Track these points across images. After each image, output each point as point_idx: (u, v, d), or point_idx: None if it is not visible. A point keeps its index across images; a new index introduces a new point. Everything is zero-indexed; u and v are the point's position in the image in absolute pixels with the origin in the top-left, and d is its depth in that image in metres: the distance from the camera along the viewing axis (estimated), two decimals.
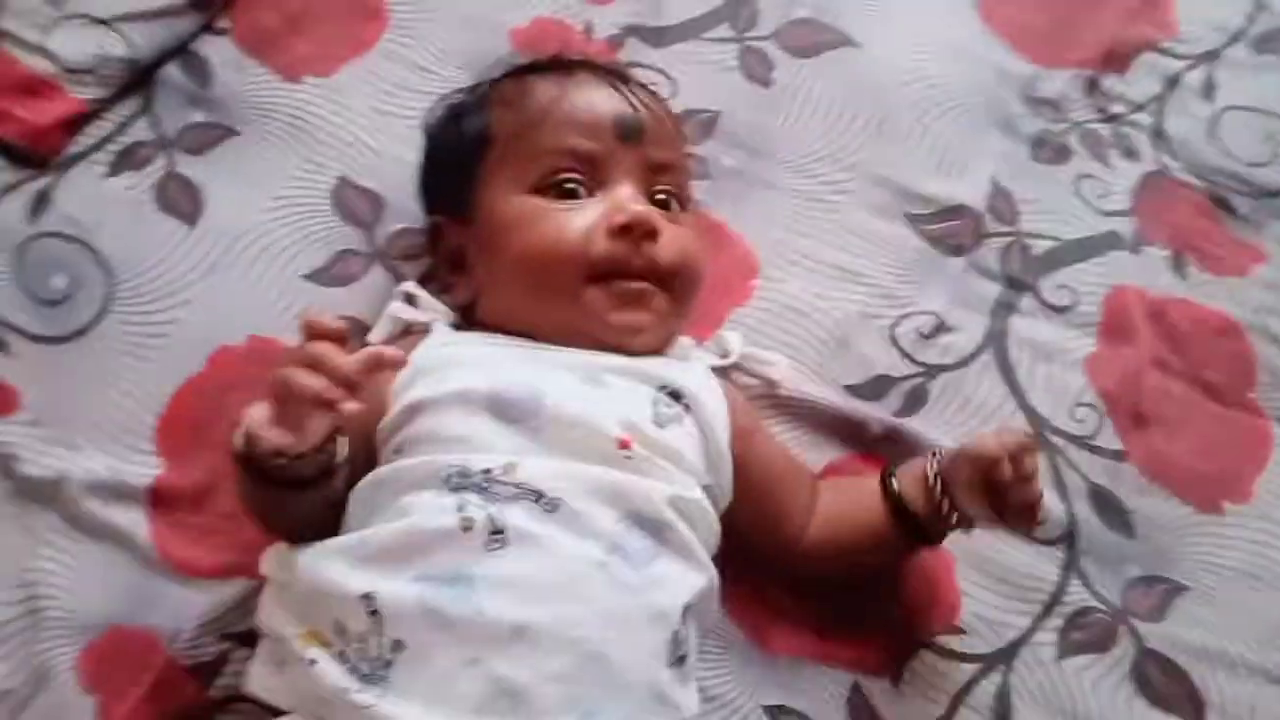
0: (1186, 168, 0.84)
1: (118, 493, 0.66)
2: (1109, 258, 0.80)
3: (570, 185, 0.62)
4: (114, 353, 0.70)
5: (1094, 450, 0.72)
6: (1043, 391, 0.74)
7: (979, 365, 0.75)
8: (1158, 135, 0.85)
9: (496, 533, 0.52)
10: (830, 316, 0.75)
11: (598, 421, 0.56)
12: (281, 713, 0.53)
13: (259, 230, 0.74)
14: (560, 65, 0.67)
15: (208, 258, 0.73)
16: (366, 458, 0.58)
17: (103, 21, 0.78)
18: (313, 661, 0.51)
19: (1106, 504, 0.71)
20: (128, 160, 0.76)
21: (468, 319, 0.65)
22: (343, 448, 0.53)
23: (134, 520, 0.65)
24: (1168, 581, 0.69)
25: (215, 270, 0.73)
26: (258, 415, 0.50)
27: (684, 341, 0.67)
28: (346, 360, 0.49)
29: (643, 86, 0.68)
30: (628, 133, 0.63)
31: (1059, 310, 0.78)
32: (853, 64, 0.85)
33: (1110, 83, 0.87)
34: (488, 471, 0.53)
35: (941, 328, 0.75)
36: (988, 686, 0.65)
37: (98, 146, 0.77)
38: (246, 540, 0.62)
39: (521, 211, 0.61)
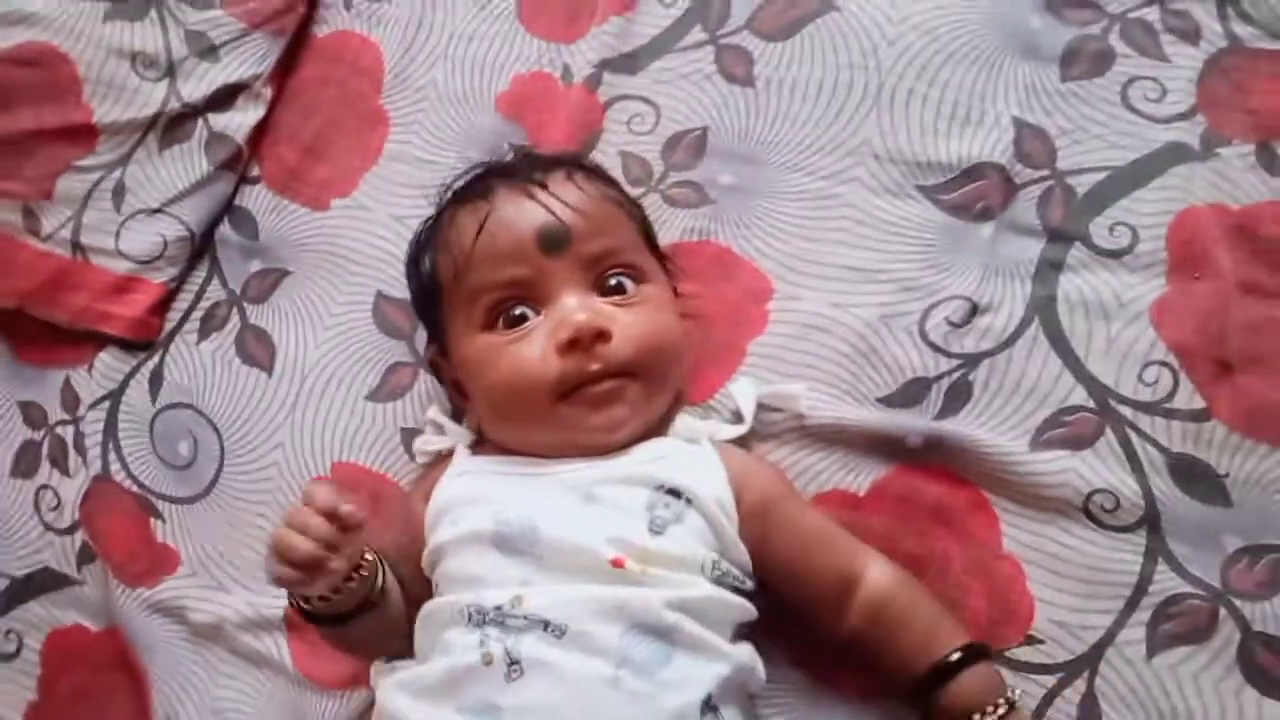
0: (1266, 32, 0.69)
1: (261, 624, 0.78)
2: (1173, 176, 0.69)
3: (517, 312, 0.63)
4: (236, 502, 0.82)
5: (1171, 415, 0.65)
6: (1104, 357, 0.67)
7: (1025, 342, 0.68)
8: (1222, 1, 0.71)
9: (514, 663, 0.57)
10: (850, 327, 0.71)
11: (590, 544, 0.59)
12: None
13: (321, 363, 0.82)
14: (480, 186, 0.68)
15: (287, 399, 0.82)
16: (426, 578, 0.65)
17: (157, 210, 0.88)
18: None
19: (1192, 473, 0.63)
20: (210, 323, 0.87)
21: (482, 438, 0.70)
22: (378, 580, 0.61)
23: (277, 645, 0.77)
24: (1276, 549, 0.61)
25: (295, 409, 0.82)
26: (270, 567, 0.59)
27: (689, 423, 0.67)
28: (322, 526, 0.56)
29: (566, 173, 0.67)
30: (552, 245, 0.63)
31: (1115, 255, 0.68)
32: (835, 32, 0.77)
33: None
34: (499, 608, 0.58)
35: (975, 310, 0.69)
36: (1071, 696, 0.62)
37: (185, 318, 0.88)
38: None
39: (479, 353, 0.64)
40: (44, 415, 0.88)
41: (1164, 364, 0.65)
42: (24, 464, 0.88)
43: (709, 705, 0.57)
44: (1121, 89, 0.71)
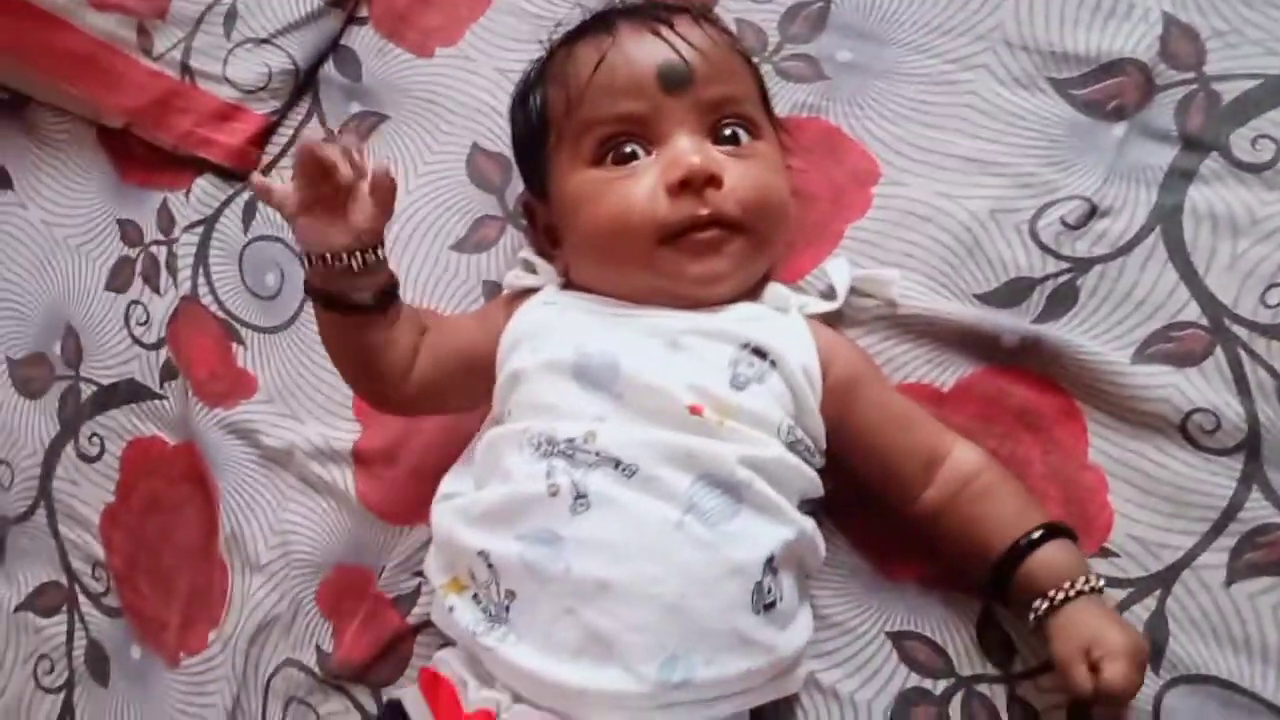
0: None
1: (329, 455, 0.79)
2: None
3: (625, 150, 0.62)
4: (316, 337, 0.83)
5: None
6: (1225, 274, 0.63)
7: (1143, 250, 0.65)
8: None
9: (581, 497, 0.57)
10: (956, 219, 0.68)
11: (671, 388, 0.58)
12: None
13: (411, 209, 0.82)
14: (602, 21, 0.66)
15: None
16: (465, 377, 0.66)
17: (265, 40, 0.88)
18: (451, 609, 0.61)
19: None
20: None
21: (570, 282, 0.69)
22: (390, 279, 0.62)
23: (343, 477, 0.79)
24: None
25: (390, 248, 0.81)
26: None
27: (780, 291, 0.65)
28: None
29: (691, 17, 0.65)
30: (673, 82, 0.61)
31: (1255, 169, 0.64)
32: None
33: None
34: (571, 440, 0.58)
35: (1094, 213, 0.66)
36: (1139, 612, 0.60)
37: (283, 153, 0.89)
38: (427, 493, 0.72)
39: (584, 187, 0.63)
40: (140, 234, 0.90)
41: None
42: (118, 279, 0.90)
43: (770, 565, 0.57)
44: None
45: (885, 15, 0.74)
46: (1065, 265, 0.66)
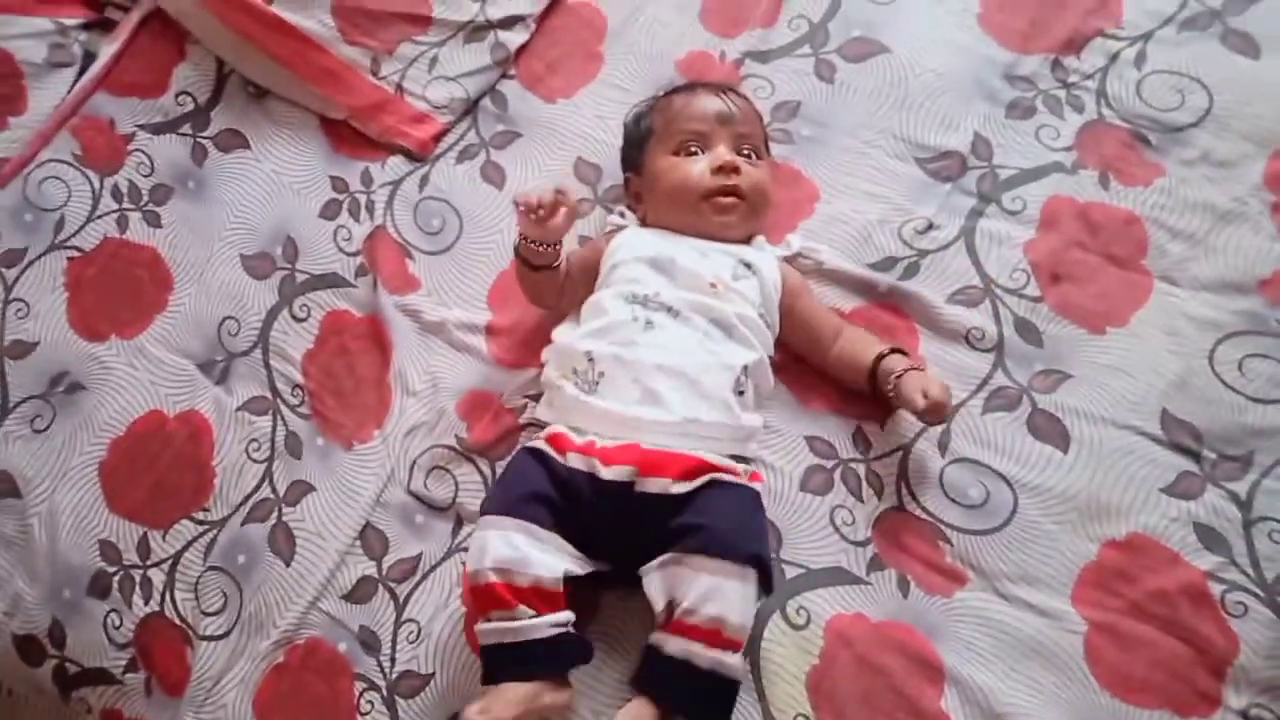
0: (1117, 115, 1.25)
1: (470, 328, 1.27)
2: (1052, 179, 1.23)
3: (692, 149, 1.16)
4: (465, 258, 1.32)
5: (1021, 296, 1.17)
6: (993, 263, 1.20)
7: (954, 249, 1.21)
8: (1100, 94, 1.26)
9: (649, 323, 1.08)
10: (859, 225, 1.24)
11: (702, 272, 1.11)
12: (546, 424, 1.12)
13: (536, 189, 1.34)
14: (689, 87, 1.23)
15: (508, 206, 1.34)
16: (585, 282, 1.16)
17: (452, 79, 1.41)
18: (562, 387, 1.10)
19: (1028, 329, 1.16)
20: (465, 155, 1.39)
21: (645, 225, 1.22)
22: (560, 258, 1.13)
23: (479, 341, 1.27)
24: (1060, 373, 1.13)
25: (512, 214, 1.34)
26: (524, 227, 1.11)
27: (761, 240, 1.19)
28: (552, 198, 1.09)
29: (737, 94, 1.22)
30: (721, 119, 1.17)
31: (1011, 214, 1.22)
32: (886, 65, 1.33)
33: (1069, 61, 1.29)
34: (646, 295, 1.10)
35: (931, 226, 1.22)
36: (938, 426, 1.12)
37: (450, 149, 1.40)
38: (533, 350, 1.21)
39: (668, 166, 1.17)
40: (346, 186, 1.39)
41: (1023, 270, 1.18)
42: (329, 211, 1.37)
43: (745, 370, 1.08)
44: (1035, 130, 1.26)
45: (830, 113, 1.32)
46: (914, 252, 1.22)
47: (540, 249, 1.11)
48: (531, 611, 0.96)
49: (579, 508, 1.01)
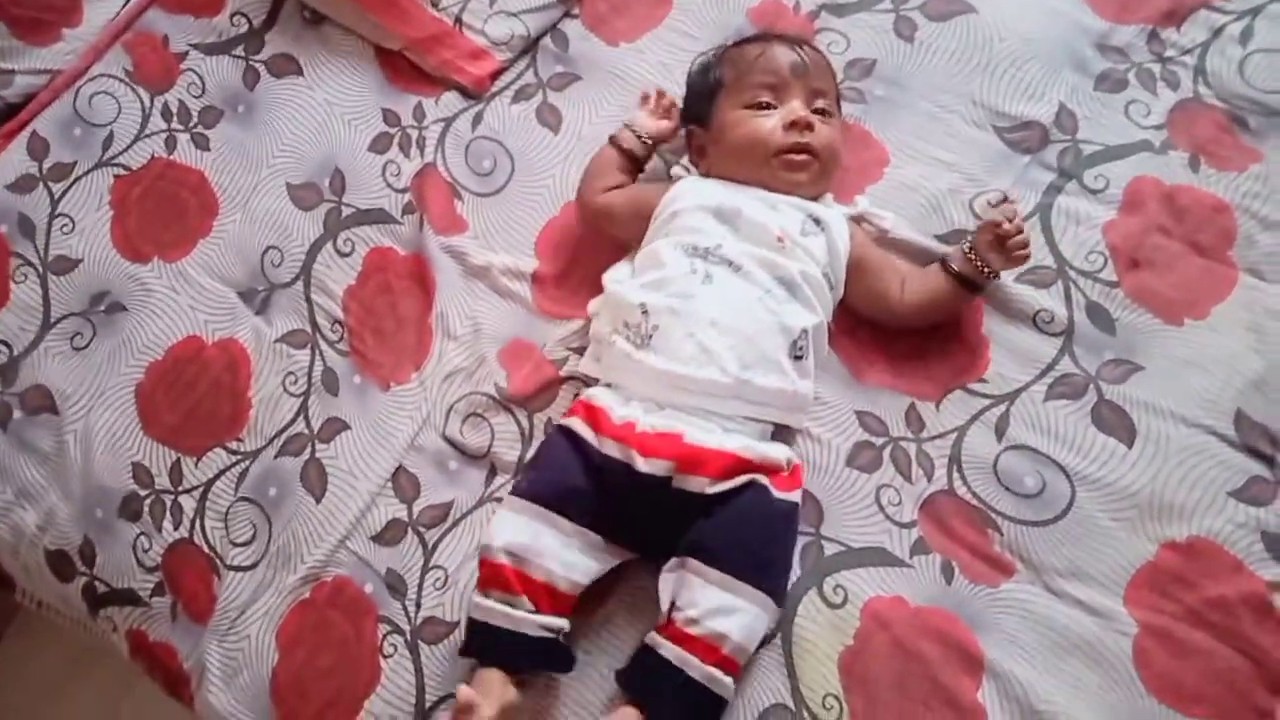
0: (1215, 94, 1.17)
1: (516, 274, 1.24)
2: (1139, 158, 1.16)
3: (764, 102, 1.11)
4: (515, 202, 1.28)
5: (1096, 280, 1.11)
6: (1068, 242, 1.14)
7: (1028, 226, 1.15)
8: (1198, 71, 1.19)
9: (708, 277, 1.04)
10: (929, 193, 1.18)
11: (768, 225, 1.06)
12: (596, 381, 1.09)
13: (592, 136, 1.29)
14: (762, 37, 1.16)
15: (562, 151, 1.30)
16: (630, 223, 1.14)
17: (513, 14, 1.36)
18: (613, 342, 1.06)
19: (1100, 315, 1.10)
20: (521, 95, 1.35)
21: (708, 175, 1.17)
22: (650, 158, 1.17)
23: (525, 289, 1.23)
24: (1130, 364, 1.07)
25: (568, 159, 1.29)
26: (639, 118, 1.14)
27: (829, 198, 1.14)
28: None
29: (811, 46, 1.15)
30: (796, 72, 1.11)
31: (1093, 193, 1.16)
32: (971, 26, 1.25)
33: (1168, 34, 1.21)
34: (707, 248, 1.05)
35: (1005, 200, 1.16)
36: (996, 411, 1.08)
37: (506, 88, 1.36)
38: (579, 301, 1.17)
39: (738, 119, 1.11)
40: (398, 119, 1.35)
41: (1100, 252, 1.12)
42: (379, 145, 1.34)
43: (804, 333, 1.03)
44: (1125, 105, 1.19)
45: (906, 73, 1.25)
46: None
47: (639, 138, 1.17)
48: (532, 606, 0.95)
49: (612, 496, 0.99)
